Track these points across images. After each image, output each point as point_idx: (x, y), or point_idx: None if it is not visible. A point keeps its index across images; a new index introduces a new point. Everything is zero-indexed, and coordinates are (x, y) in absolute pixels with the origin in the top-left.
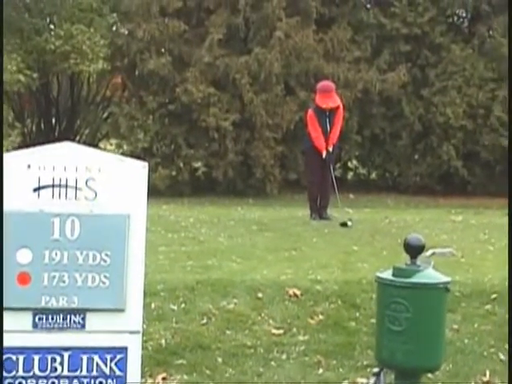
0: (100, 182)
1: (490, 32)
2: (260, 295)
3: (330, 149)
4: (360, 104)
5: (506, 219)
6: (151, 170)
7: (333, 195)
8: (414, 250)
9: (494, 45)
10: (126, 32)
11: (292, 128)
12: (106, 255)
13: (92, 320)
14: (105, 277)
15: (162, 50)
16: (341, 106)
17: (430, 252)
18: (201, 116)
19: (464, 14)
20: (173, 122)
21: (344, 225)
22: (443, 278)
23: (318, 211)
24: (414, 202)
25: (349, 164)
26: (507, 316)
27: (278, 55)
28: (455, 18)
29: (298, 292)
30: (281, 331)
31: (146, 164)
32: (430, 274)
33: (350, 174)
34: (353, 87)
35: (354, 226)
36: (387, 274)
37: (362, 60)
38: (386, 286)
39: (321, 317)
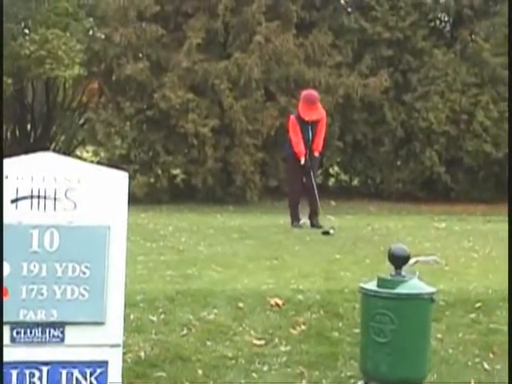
0: (79, 193)
1: (473, 36)
2: (241, 305)
3: (316, 154)
4: (341, 109)
5: (489, 226)
6: (129, 178)
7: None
8: (399, 261)
9: (476, 49)
10: (103, 37)
11: (272, 134)
12: (86, 267)
13: (71, 333)
14: (84, 289)
15: (140, 54)
16: (324, 117)
17: (413, 260)
18: (179, 122)
19: (446, 18)
20: (151, 129)
21: (326, 233)
22: (428, 289)
23: (309, 219)
24: (397, 208)
25: (330, 170)
26: (492, 325)
27: (258, 60)
28: (437, 22)
29: (279, 302)
30: (262, 342)
31: (126, 174)
32: (415, 285)
33: (332, 181)
34: (334, 92)
35: (336, 233)
36: (371, 285)
37: (344, 65)
38: (371, 297)
39: (303, 327)
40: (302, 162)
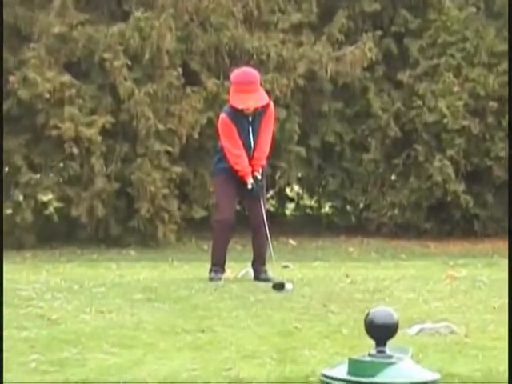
0: None
1: None
2: None
3: (258, 175)
4: (303, 96)
5: None
6: None
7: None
8: (382, 333)
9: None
10: None
11: (196, 136)
12: None
13: None
14: None
15: None
16: (271, 106)
17: (416, 328)
18: (50, 120)
19: None
20: (6, 131)
21: (279, 287)
22: (428, 375)
23: (254, 268)
24: (391, 248)
25: (287, 191)
26: None
27: (172, 21)
28: None
29: None
30: None
31: None
32: (405, 369)
33: (290, 208)
34: (291, 70)
35: (296, 289)
36: (340, 372)
37: (305, 27)
38: None
39: None
40: (249, 186)
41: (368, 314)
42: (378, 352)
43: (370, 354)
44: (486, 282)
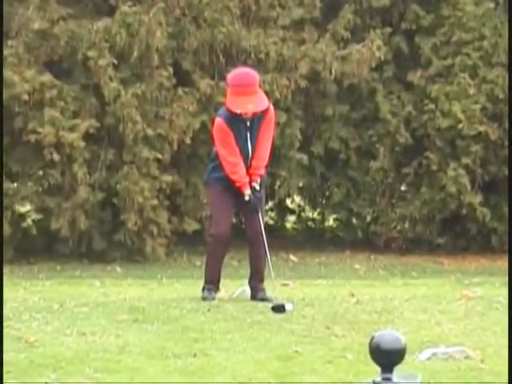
0: None
1: None
2: None
3: (257, 185)
4: (305, 99)
5: None
6: None
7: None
8: (388, 358)
9: None
10: None
11: (188, 142)
12: None
13: None
14: None
15: None
16: (271, 109)
17: (427, 353)
18: (29, 124)
19: None
20: None
21: (279, 310)
22: None
23: (251, 286)
24: (400, 265)
25: (288, 202)
26: None
27: (162, 17)
28: None
29: None
30: None
31: None
32: None
33: (291, 220)
34: (292, 70)
35: (296, 310)
36: None
37: (307, 24)
38: None
39: None
40: (247, 197)
41: (373, 338)
42: (384, 379)
43: (374, 382)
44: (504, 302)
